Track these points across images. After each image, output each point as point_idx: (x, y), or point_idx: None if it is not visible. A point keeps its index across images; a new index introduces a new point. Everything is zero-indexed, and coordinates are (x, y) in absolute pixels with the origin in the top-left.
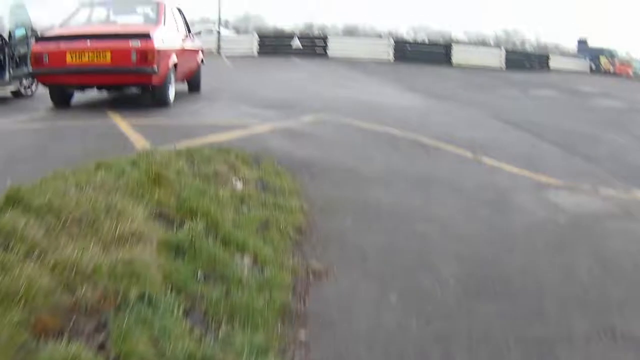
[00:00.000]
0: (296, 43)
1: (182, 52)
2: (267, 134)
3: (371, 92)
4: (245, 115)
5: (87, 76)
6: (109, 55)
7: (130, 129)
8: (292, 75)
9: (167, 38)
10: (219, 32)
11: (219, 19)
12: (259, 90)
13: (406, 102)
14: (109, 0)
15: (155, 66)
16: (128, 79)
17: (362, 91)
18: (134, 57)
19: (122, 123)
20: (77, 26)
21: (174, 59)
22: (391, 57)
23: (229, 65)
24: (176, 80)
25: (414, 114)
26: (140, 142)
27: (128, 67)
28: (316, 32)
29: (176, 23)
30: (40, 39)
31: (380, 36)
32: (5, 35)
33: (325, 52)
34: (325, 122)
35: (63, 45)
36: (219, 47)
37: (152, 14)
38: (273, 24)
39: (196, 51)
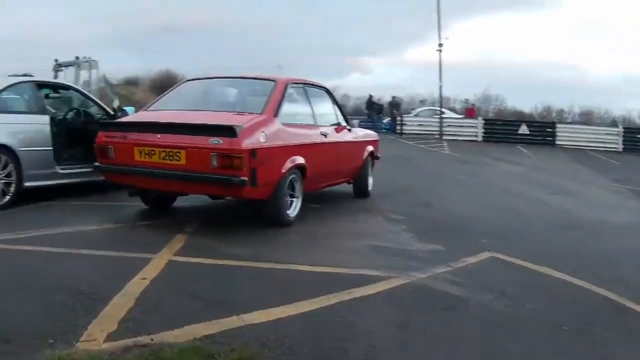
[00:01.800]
0: (523, 129)
1: (323, 149)
2: (379, 301)
3: (589, 199)
4: (385, 251)
5: (157, 180)
6: (182, 155)
7: (139, 286)
8: (506, 170)
9: (281, 132)
10: (441, 114)
11: (441, 99)
12: (448, 195)
13: (628, 217)
14: (221, 76)
15: (244, 176)
16: (209, 190)
17: (578, 198)
18: (213, 161)
19: (159, 263)
20: (156, 111)
21: (296, 160)
22: (620, 146)
23: (447, 152)
24: (310, 187)
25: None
26: (106, 323)
27: (206, 174)
28: (553, 115)
29: (312, 109)
30: (107, 125)
31: (615, 121)
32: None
33: (553, 140)
34: (492, 270)
35: (132, 137)
36: (441, 131)
37: (262, 98)
38: (512, 105)
39: (359, 144)
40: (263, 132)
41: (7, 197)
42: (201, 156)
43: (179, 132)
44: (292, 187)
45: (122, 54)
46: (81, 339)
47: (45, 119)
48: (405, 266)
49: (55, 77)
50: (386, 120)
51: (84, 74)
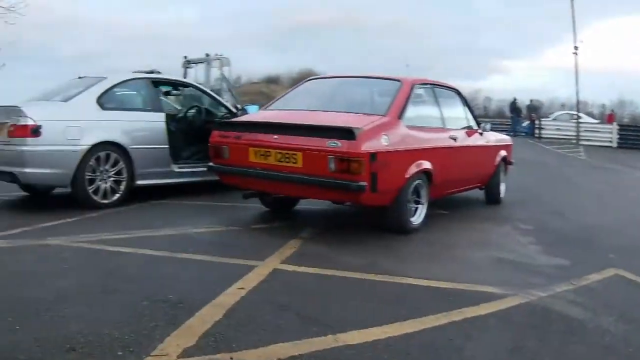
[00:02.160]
0: None
1: (451, 153)
2: (491, 322)
3: None
4: (507, 264)
5: (272, 183)
6: (299, 157)
7: (233, 296)
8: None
9: (406, 135)
10: (578, 118)
11: (577, 103)
12: (582, 204)
13: None
14: (344, 75)
15: (363, 181)
16: (326, 195)
17: None
18: (331, 165)
19: (263, 271)
20: (274, 111)
21: (422, 165)
22: None
23: (583, 157)
24: (437, 193)
25: None
26: (185, 337)
27: (323, 177)
28: None
29: (440, 111)
30: (222, 125)
31: None
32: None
33: None
34: (615, 289)
35: (247, 137)
36: (577, 136)
37: (386, 99)
38: None
39: (492, 149)
40: (385, 134)
41: (117, 195)
42: (318, 159)
43: (296, 134)
44: (417, 193)
45: (267, 53)
46: (152, 353)
47: (160, 116)
48: (525, 283)
49: (185, 74)
50: (525, 123)
51: (215, 72)
